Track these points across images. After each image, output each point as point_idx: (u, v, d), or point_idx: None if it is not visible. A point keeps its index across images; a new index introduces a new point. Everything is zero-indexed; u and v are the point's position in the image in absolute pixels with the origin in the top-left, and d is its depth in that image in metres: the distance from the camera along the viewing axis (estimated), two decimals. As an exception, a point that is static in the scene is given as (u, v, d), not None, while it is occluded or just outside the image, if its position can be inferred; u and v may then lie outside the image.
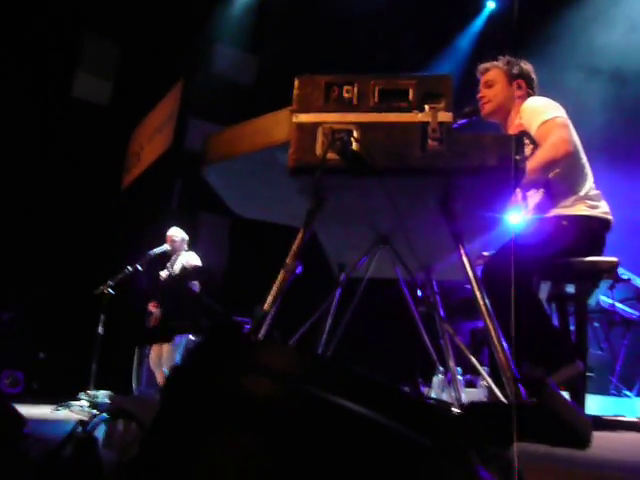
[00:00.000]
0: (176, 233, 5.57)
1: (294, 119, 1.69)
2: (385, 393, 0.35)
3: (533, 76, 2.69)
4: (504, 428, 0.42)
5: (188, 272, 5.41)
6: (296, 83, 1.74)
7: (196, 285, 5.53)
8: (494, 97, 2.62)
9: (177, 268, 5.51)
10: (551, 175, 2.42)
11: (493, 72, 2.66)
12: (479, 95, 2.67)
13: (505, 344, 1.58)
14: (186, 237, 5.63)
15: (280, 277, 1.64)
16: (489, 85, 2.65)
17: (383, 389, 0.35)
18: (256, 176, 1.97)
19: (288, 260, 1.66)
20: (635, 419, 2.14)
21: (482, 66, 2.72)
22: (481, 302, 1.71)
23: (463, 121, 2.35)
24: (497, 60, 2.70)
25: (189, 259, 5.54)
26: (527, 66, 2.68)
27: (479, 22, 7.24)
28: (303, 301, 2.32)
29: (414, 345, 2.59)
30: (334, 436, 0.32)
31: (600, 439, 1.61)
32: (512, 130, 2.56)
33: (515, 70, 2.64)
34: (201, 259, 5.59)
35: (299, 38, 5.35)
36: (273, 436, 0.32)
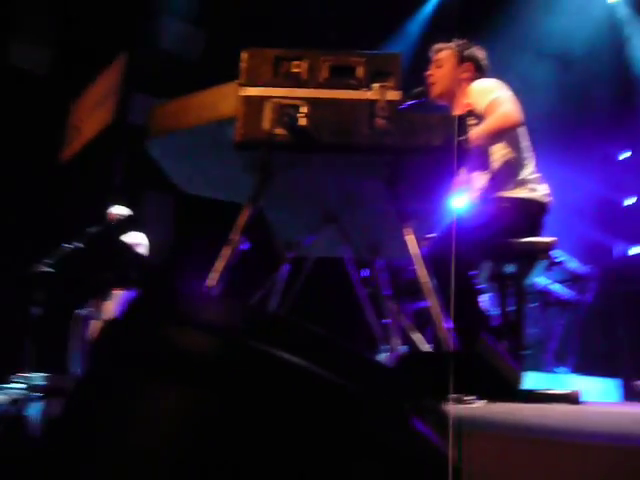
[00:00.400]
0: (118, 211, 5.37)
1: (241, 93, 1.65)
2: (322, 344, 0.34)
3: (484, 62, 2.72)
4: (439, 378, 0.42)
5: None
6: (244, 56, 1.70)
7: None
8: (441, 78, 2.65)
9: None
10: (495, 161, 2.48)
11: (444, 53, 2.69)
12: (428, 73, 2.70)
13: (445, 319, 1.63)
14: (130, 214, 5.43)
15: (224, 252, 1.62)
16: (439, 65, 2.68)
17: (320, 341, 0.35)
18: (202, 151, 1.93)
19: (232, 235, 1.64)
20: (566, 391, 2.25)
21: (436, 46, 2.74)
22: (425, 282, 1.75)
23: (412, 102, 2.37)
24: (452, 42, 2.72)
25: (135, 240, 5.35)
26: (480, 52, 2.72)
27: (429, 6, 7.31)
28: (251, 280, 2.30)
29: (359, 323, 2.62)
30: (270, 387, 0.31)
31: (533, 409, 1.69)
32: (459, 110, 2.60)
33: (466, 53, 2.67)
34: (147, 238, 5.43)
35: (248, 13, 5.24)
36: (208, 388, 0.31)
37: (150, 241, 5.40)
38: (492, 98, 2.40)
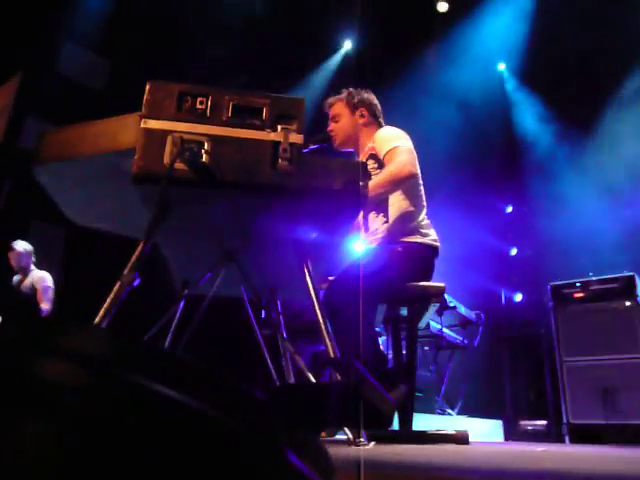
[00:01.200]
0: (22, 246, 4.94)
1: (142, 124, 1.61)
2: (198, 377, 0.33)
3: (375, 102, 2.88)
4: (314, 411, 0.42)
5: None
6: (147, 88, 1.66)
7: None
8: (341, 130, 2.78)
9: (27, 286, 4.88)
10: (392, 207, 2.60)
11: (337, 106, 2.82)
12: (329, 129, 2.81)
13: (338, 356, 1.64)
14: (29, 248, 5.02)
15: (115, 289, 1.53)
16: (336, 120, 2.80)
17: (194, 371, 0.33)
18: (97, 182, 1.84)
19: (125, 271, 1.57)
20: (453, 432, 2.33)
21: (327, 101, 2.88)
22: (322, 325, 1.76)
23: (314, 147, 2.45)
24: (340, 93, 2.86)
25: (42, 280, 4.94)
26: (368, 94, 2.87)
27: (335, 60, 7.66)
28: (146, 317, 2.19)
29: (255, 364, 2.57)
30: (139, 420, 0.29)
31: (422, 450, 1.72)
32: (364, 154, 2.72)
33: (356, 100, 2.81)
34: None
35: (157, 48, 5.20)
36: (70, 421, 0.28)
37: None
38: (392, 147, 2.53)
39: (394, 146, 2.53)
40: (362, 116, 2.79)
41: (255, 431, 0.32)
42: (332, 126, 2.81)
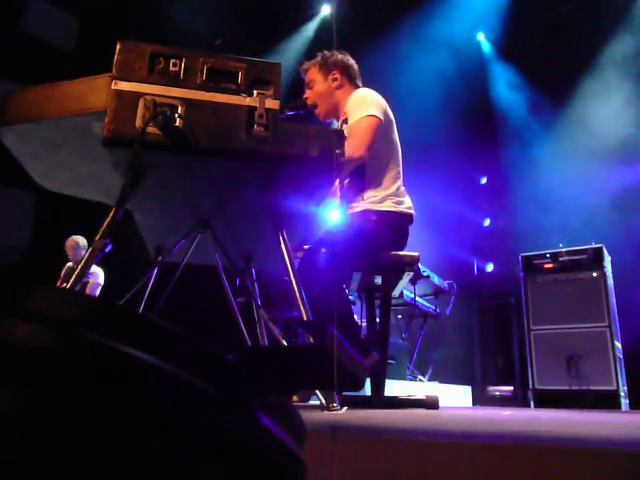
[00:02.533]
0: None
1: (113, 86, 1.56)
2: (170, 340, 0.32)
3: (349, 63, 2.76)
4: (286, 373, 0.42)
5: None
6: (118, 48, 1.61)
7: None
8: (316, 97, 2.69)
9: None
10: (366, 174, 2.57)
11: (311, 71, 2.74)
12: (305, 96, 2.74)
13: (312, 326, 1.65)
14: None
15: (86, 255, 1.51)
16: (310, 86, 2.72)
17: (168, 336, 0.32)
18: (66, 145, 1.79)
19: (97, 238, 1.54)
20: (423, 397, 2.38)
21: (303, 66, 2.78)
22: (297, 292, 1.76)
23: (290, 113, 2.40)
24: (315, 57, 2.77)
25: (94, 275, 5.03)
26: (342, 56, 2.75)
27: (312, 26, 7.52)
28: (119, 284, 2.17)
29: (230, 332, 2.58)
30: (109, 383, 0.29)
31: (394, 414, 1.76)
32: (340, 119, 2.66)
33: (329, 62, 2.72)
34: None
35: (128, 7, 5.01)
36: (33, 384, 0.27)
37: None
38: (360, 116, 2.46)
39: (361, 116, 2.45)
40: (335, 79, 2.70)
41: (226, 393, 0.32)
42: (307, 93, 2.74)
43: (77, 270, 1.48)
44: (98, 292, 5.16)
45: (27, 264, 4.94)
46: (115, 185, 1.67)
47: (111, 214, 1.61)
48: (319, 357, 0.42)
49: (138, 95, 1.55)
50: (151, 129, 1.51)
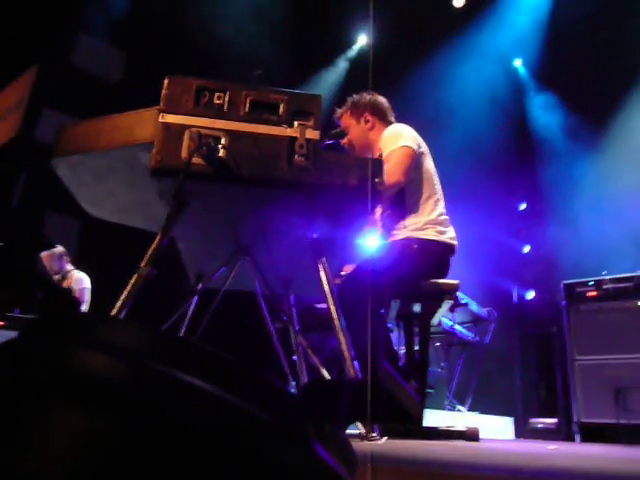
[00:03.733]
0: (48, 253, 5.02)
1: (160, 119, 1.63)
2: (229, 369, 0.34)
3: (378, 102, 2.79)
4: (341, 406, 0.43)
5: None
6: (165, 83, 1.68)
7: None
8: (354, 141, 2.74)
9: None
10: (407, 202, 2.58)
11: (344, 118, 2.79)
12: (343, 142, 2.77)
13: (353, 354, 1.65)
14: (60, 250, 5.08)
15: (132, 281, 1.55)
16: (347, 132, 2.77)
17: (227, 365, 0.34)
18: (113, 175, 1.86)
19: (142, 264, 1.58)
20: (463, 429, 2.33)
21: (336, 114, 2.84)
22: (336, 320, 1.76)
23: (329, 142, 2.44)
24: (345, 104, 2.82)
25: (78, 281, 5.02)
26: (370, 96, 2.79)
27: (350, 55, 7.64)
28: (159, 311, 2.21)
29: (268, 358, 2.59)
30: (178, 413, 0.30)
31: (434, 445, 1.73)
32: (376, 157, 2.69)
33: (359, 106, 2.76)
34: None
35: (172, 41, 5.21)
36: (109, 413, 0.29)
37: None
38: (392, 149, 2.49)
39: (394, 149, 2.48)
40: (367, 121, 2.74)
41: (285, 424, 0.33)
42: (346, 140, 2.78)
43: (122, 299, 1.53)
44: (88, 296, 5.09)
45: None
46: (160, 213, 1.73)
47: (156, 241, 1.66)
48: (373, 392, 0.43)
49: (184, 127, 1.60)
50: (196, 159, 1.57)
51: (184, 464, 0.29)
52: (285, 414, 0.34)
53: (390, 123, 2.76)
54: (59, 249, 5.12)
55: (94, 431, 0.28)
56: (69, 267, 5.16)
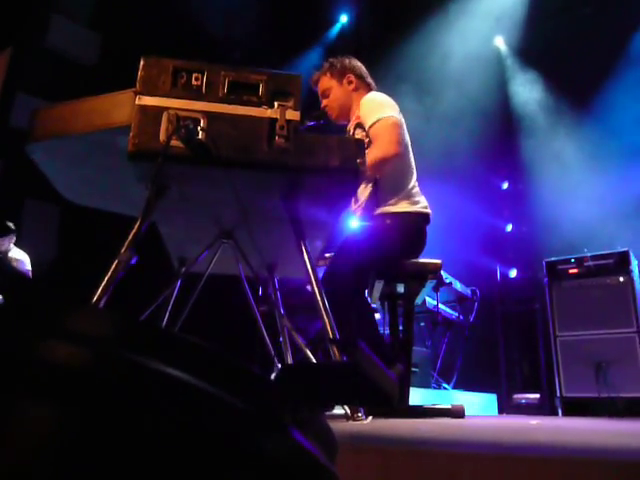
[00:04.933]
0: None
1: (137, 101, 1.59)
2: (202, 356, 0.33)
3: (358, 65, 2.80)
4: (318, 390, 0.42)
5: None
6: (141, 64, 1.64)
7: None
8: (335, 102, 2.73)
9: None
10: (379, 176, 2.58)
11: (323, 81, 2.77)
12: (322, 105, 2.76)
13: (337, 336, 1.65)
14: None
15: (112, 267, 1.53)
16: (326, 95, 2.75)
17: (195, 350, 0.33)
18: (91, 160, 1.83)
19: (122, 250, 1.56)
20: (448, 406, 2.36)
21: (312, 78, 2.81)
22: (320, 302, 1.76)
23: (311, 123, 2.42)
24: (321, 68, 2.80)
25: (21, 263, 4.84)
26: (350, 60, 2.80)
27: (331, 34, 7.55)
28: (142, 295, 2.19)
29: (253, 341, 2.59)
30: (145, 400, 0.29)
31: (419, 424, 1.75)
32: (352, 122, 2.68)
33: (339, 67, 2.75)
34: (27, 251, 4.98)
35: (149, 22, 5.10)
36: (75, 404, 0.28)
37: (29, 252, 4.98)
38: (378, 118, 2.48)
39: (378, 118, 2.47)
40: (350, 82, 2.74)
41: (258, 409, 0.33)
42: (324, 102, 2.76)
43: (102, 285, 1.50)
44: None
45: (53, 278, 5.02)
46: (140, 198, 1.70)
47: (136, 226, 1.63)
48: (351, 374, 0.42)
49: (161, 109, 1.57)
50: (174, 142, 1.54)
51: (151, 452, 0.28)
52: (259, 399, 0.33)
53: (369, 86, 2.76)
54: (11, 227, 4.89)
55: (54, 421, 0.27)
56: (11, 246, 4.96)
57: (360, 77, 2.77)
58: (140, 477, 0.28)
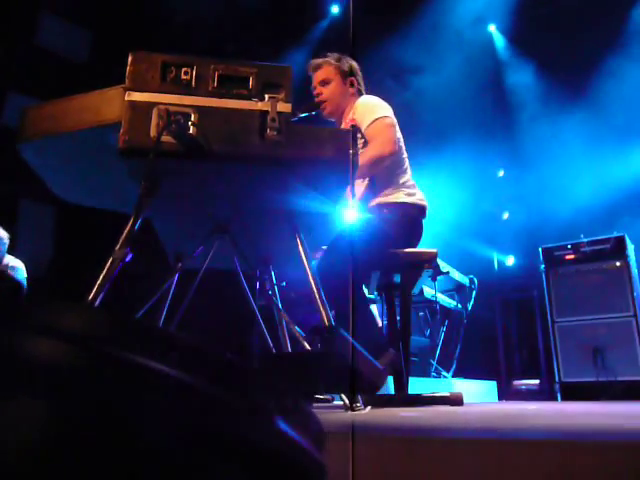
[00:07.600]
0: None
1: (127, 97, 1.59)
2: (183, 349, 0.33)
3: (360, 73, 2.84)
4: (301, 378, 0.43)
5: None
6: (130, 59, 1.63)
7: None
8: (331, 95, 2.71)
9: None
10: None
11: (327, 69, 2.74)
12: (315, 92, 2.74)
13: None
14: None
15: (108, 265, 1.53)
16: (325, 83, 2.73)
17: (182, 345, 0.33)
18: (83, 157, 1.82)
19: (117, 248, 1.56)
20: (447, 394, 2.37)
21: (314, 62, 2.78)
22: (316, 294, 1.76)
23: (302, 115, 2.41)
24: (327, 56, 2.79)
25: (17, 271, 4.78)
26: (354, 63, 2.82)
27: (322, 26, 7.51)
28: (138, 292, 2.19)
29: (252, 336, 2.60)
30: (131, 396, 0.29)
31: (417, 412, 1.76)
32: (346, 126, 2.68)
33: (346, 67, 2.75)
34: (23, 252, 4.94)
35: (139, 18, 5.07)
36: (59, 401, 0.28)
37: (25, 253, 4.95)
38: (374, 118, 2.51)
39: (375, 119, 2.52)
40: (352, 85, 2.75)
41: (243, 400, 0.33)
42: (320, 89, 2.74)
43: (98, 283, 1.50)
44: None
45: (49, 277, 5.01)
46: (133, 194, 1.69)
47: (130, 223, 1.63)
48: (331, 362, 0.42)
49: (151, 105, 1.57)
50: (165, 138, 1.53)
51: (135, 445, 0.29)
52: (243, 389, 0.33)
53: (361, 92, 2.78)
54: (3, 233, 4.83)
55: (35, 416, 0.27)
56: (4, 253, 4.92)
57: (359, 83, 2.80)
58: (124, 470, 0.28)
